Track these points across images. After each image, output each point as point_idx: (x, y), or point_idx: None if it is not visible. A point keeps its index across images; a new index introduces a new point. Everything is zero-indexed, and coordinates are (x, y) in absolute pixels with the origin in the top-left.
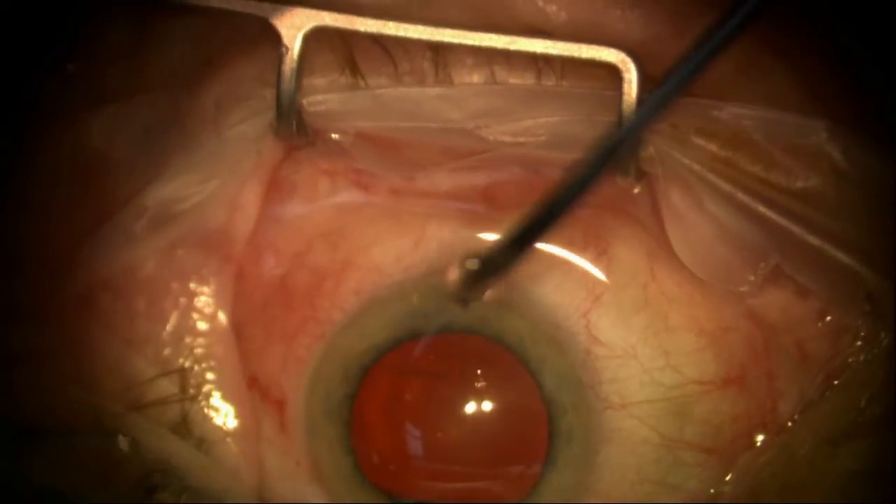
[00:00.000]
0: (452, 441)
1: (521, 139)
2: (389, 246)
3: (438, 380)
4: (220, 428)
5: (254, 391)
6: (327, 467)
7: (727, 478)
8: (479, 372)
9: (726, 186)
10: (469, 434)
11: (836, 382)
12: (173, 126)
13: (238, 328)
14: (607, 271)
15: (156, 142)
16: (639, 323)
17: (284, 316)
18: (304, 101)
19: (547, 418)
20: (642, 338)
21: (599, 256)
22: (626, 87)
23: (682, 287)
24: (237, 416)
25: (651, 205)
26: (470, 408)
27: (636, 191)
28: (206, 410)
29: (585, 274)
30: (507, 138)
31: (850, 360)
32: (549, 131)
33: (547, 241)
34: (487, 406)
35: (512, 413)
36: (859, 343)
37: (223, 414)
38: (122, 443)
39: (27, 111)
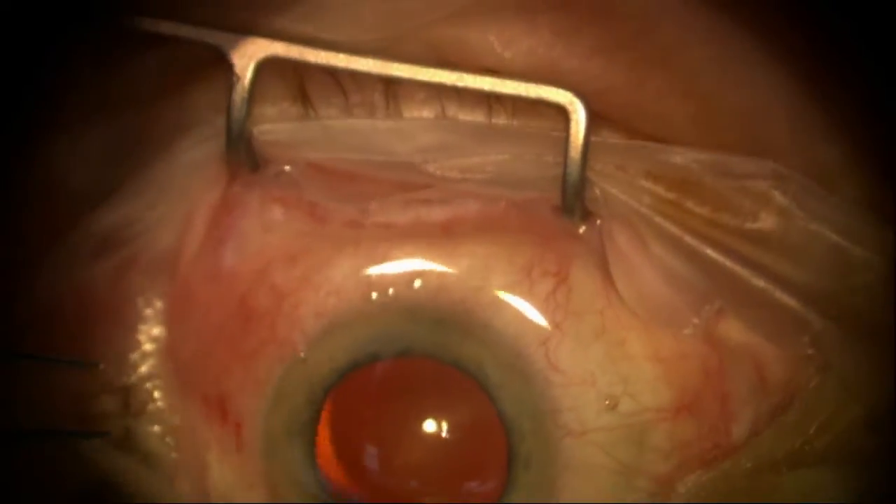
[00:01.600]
0: (413, 462)
1: (468, 175)
2: (349, 269)
3: (399, 402)
4: (164, 444)
5: (211, 412)
6: (285, 489)
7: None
8: (439, 396)
9: (673, 229)
10: (430, 456)
11: (788, 408)
12: (127, 152)
13: (192, 348)
14: (566, 300)
15: (109, 167)
16: (597, 351)
17: (242, 337)
18: (255, 130)
19: (506, 444)
20: (601, 365)
21: (558, 285)
22: (573, 127)
23: (634, 319)
24: (182, 432)
25: (598, 243)
26: (430, 431)
27: (581, 230)
28: (149, 427)
29: (545, 302)
30: (454, 174)
31: (805, 385)
32: (496, 169)
33: (506, 271)
34: (447, 430)
35: (471, 437)
36: (811, 372)
37: (168, 431)
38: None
39: None
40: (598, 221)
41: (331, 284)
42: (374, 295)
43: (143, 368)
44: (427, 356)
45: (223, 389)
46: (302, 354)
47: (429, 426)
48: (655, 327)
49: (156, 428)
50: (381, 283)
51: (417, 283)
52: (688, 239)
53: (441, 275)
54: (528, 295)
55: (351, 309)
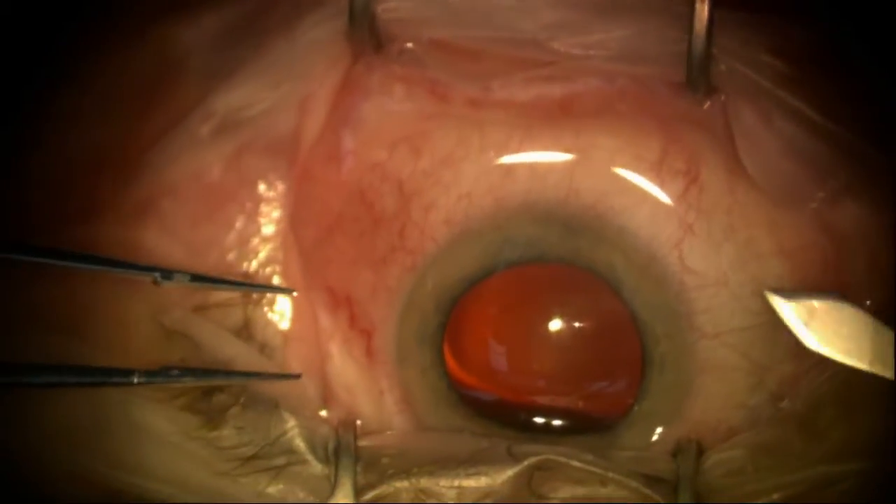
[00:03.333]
0: (549, 367)
1: (592, 52)
2: (479, 170)
3: (529, 308)
4: (282, 333)
5: (337, 309)
6: (419, 394)
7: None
8: (570, 301)
9: (797, 103)
10: (564, 362)
11: None
12: (247, 32)
13: (313, 236)
14: (697, 200)
15: (228, 48)
16: (728, 250)
17: (370, 241)
18: (379, 8)
19: (640, 348)
20: (732, 265)
21: (689, 185)
22: (698, 1)
23: (761, 207)
24: (300, 321)
25: (722, 121)
26: (564, 336)
27: (706, 106)
28: (268, 315)
29: (676, 204)
30: (578, 51)
31: None
32: (619, 45)
33: (639, 170)
34: (582, 335)
35: (606, 343)
36: None
37: (286, 319)
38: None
39: (99, 18)
40: (723, 97)
41: (461, 188)
42: (505, 199)
43: (263, 254)
44: (559, 262)
45: (351, 292)
46: (432, 263)
47: (560, 330)
48: (781, 210)
49: (274, 317)
50: (512, 183)
51: (548, 187)
52: (811, 113)
53: (572, 171)
54: (660, 197)
55: (483, 215)
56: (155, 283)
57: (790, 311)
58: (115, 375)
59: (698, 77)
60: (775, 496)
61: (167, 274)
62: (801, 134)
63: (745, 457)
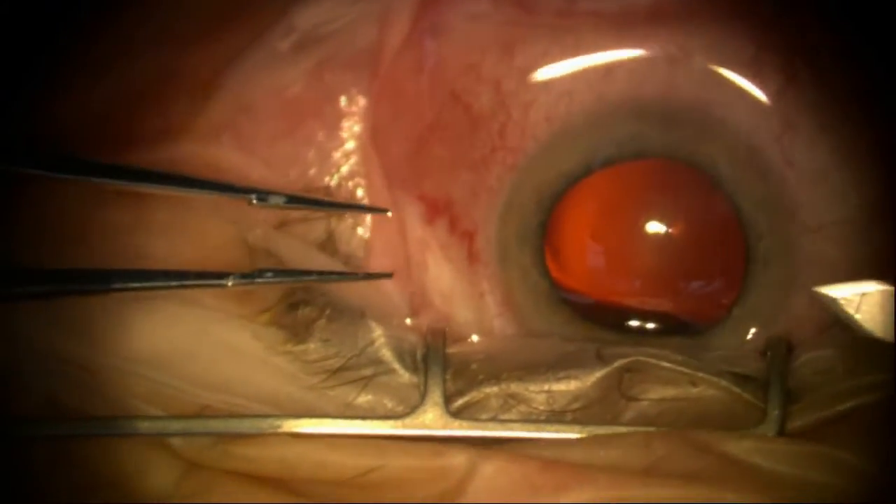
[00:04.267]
0: (649, 264)
1: None
2: (577, 67)
3: (630, 205)
4: (366, 245)
5: (434, 216)
6: (520, 295)
7: None
8: (675, 196)
9: None
10: (665, 257)
11: None
12: None
13: (403, 146)
14: (795, 96)
15: None
16: (826, 145)
17: (469, 142)
18: None
19: (743, 243)
20: (831, 160)
21: (788, 82)
22: None
23: (852, 105)
24: (385, 234)
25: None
26: (665, 231)
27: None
28: (352, 229)
29: (776, 99)
30: None
31: None
32: None
33: (735, 69)
34: (684, 231)
35: (709, 237)
36: None
37: (371, 232)
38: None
39: None
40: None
41: (560, 85)
42: (605, 96)
43: (346, 168)
44: (660, 156)
45: (451, 196)
46: (533, 161)
47: (660, 227)
48: (872, 115)
49: (357, 229)
50: (611, 82)
51: (647, 84)
52: None
53: (669, 70)
54: (759, 92)
55: (583, 111)
56: (250, 204)
57: (840, 304)
58: (209, 278)
59: None
60: (866, 396)
61: (263, 196)
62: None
63: (835, 355)
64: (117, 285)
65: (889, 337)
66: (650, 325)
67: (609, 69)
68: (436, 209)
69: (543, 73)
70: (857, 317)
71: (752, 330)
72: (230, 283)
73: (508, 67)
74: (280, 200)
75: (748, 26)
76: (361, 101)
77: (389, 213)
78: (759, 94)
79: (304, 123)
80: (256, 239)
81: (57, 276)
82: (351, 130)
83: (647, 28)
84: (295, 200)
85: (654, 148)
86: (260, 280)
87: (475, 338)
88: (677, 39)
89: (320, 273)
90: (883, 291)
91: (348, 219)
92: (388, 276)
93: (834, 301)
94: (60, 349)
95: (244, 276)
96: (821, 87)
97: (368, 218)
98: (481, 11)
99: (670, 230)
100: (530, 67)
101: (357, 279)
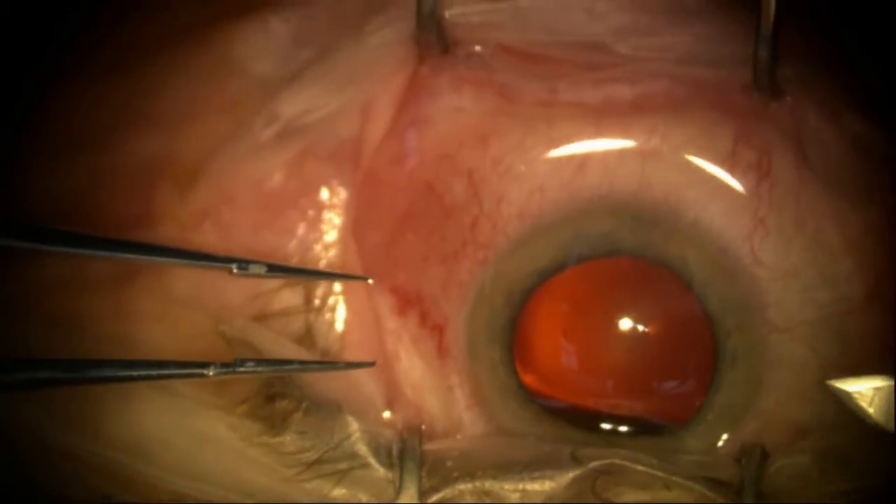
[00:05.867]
0: (619, 363)
1: (658, 55)
2: (549, 162)
3: (599, 302)
4: (344, 339)
5: (405, 307)
6: (489, 390)
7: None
8: (641, 296)
9: (864, 102)
10: (635, 356)
11: None
12: (313, 35)
13: (378, 238)
14: (769, 193)
15: (294, 51)
16: (798, 243)
17: (441, 236)
18: (446, 13)
19: (711, 342)
20: (802, 258)
21: (761, 179)
22: (764, 3)
23: (830, 202)
24: (362, 328)
25: (790, 120)
26: (635, 330)
27: (773, 107)
28: (330, 322)
29: (748, 197)
30: (644, 54)
31: None
32: (686, 48)
33: (711, 162)
34: (653, 329)
35: (677, 336)
36: None
37: (348, 326)
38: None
39: (162, 18)
40: (789, 99)
41: (533, 181)
42: (578, 192)
43: (324, 261)
44: (630, 255)
45: (422, 289)
46: (504, 257)
47: (631, 325)
48: (848, 205)
49: (336, 324)
50: (584, 177)
51: (620, 180)
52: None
53: (643, 164)
54: (733, 189)
55: (555, 208)
56: (231, 274)
57: (854, 398)
58: (190, 368)
59: (765, 79)
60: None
61: (243, 265)
62: (870, 132)
63: (811, 462)
64: (96, 374)
65: None
66: (622, 427)
67: (582, 162)
68: (407, 301)
69: (516, 165)
70: (871, 411)
71: (724, 433)
72: (211, 373)
73: (482, 157)
74: (261, 269)
75: (726, 117)
76: (342, 193)
77: (370, 281)
78: (735, 188)
79: (285, 215)
80: (235, 330)
81: (38, 365)
82: (331, 223)
83: (627, 118)
84: (276, 269)
85: (626, 246)
86: (241, 369)
87: (454, 436)
88: (658, 130)
89: (302, 362)
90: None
91: (326, 313)
92: (371, 364)
93: (848, 395)
94: (40, 434)
95: (225, 365)
96: (796, 180)
97: (347, 312)
98: (464, 103)
99: (641, 327)
100: (503, 158)
101: (338, 368)
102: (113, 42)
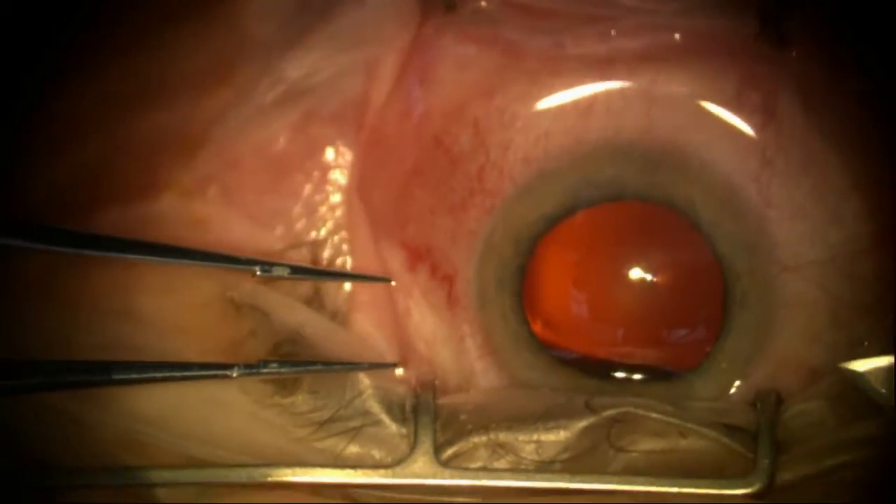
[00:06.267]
0: (629, 310)
1: (662, 6)
2: (554, 107)
3: (608, 248)
4: (353, 300)
5: (415, 262)
6: (500, 339)
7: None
8: (649, 240)
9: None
10: (645, 302)
11: None
12: None
13: (385, 195)
14: (775, 134)
15: (296, 14)
16: (806, 183)
17: (448, 186)
18: None
19: (721, 284)
20: (810, 197)
21: (767, 120)
22: None
23: (836, 145)
24: (371, 287)
25: (795, 69)
26: (644, 276)
27: (781, 56)
28: (339, 283)
29: (755, 138)
30: (649, 5)
31: None
32: None
33: (717, 105)
34: (662, 274)
35: (687, 279)
36: None
37: (356, 286)
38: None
39: None
40: (794, 52)
41: (538, 127)
42: (583, 136)
43: (331, 222)
44: (637, 198)
45: (431, 241)
46: (511, 203)
47: (639, 271)
48: (853, 152)
49: (346, 284)
50: (589, 121)
51: (626, 123)
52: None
53: (649, 108)
54: (739, 130)
55: (561, 152)
56: (254, 276)
57: (866, 379)
58: (214, 369)
59: (771, 30)
60: (858, 450)
61: (266, 268)
62: (875, 86)
63: (826, 408)
64: (118, 377)
65: None
66: (635, 375)
67: (587, 107)
68: (417, 255)
69: (521, 113)
70: (884, 391)
71: (736, 378)
72: (235, 374)
73: (487, 107)
74: (284, 272)
75: (733, 62)
76: (347, 154)
77: (394, 283)
78: (742, 130)
79: (290, 177)
80: (243, 295)
81: (56, 368)
82: (337, 184)
83: (631, 66)
84: (299, 271)
85: (632, 189)
86: (265, 371)
87: (467, 390)
88: (661, 76)
89: (326, 363)
90: None
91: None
92: (394, 365)
93: (860, 376)
94: (50, 403)
95: (248, 366)
96: (803, 122)
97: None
98: (469, 59)
99: (650, 272)
100: (508, 107)
101: (363, 369)
102: (117, 16)
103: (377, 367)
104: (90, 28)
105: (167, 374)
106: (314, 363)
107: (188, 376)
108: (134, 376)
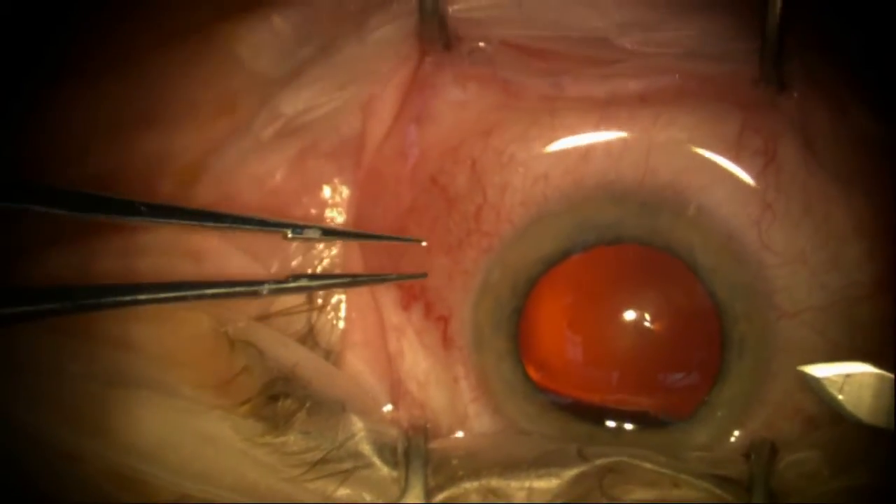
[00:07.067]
0: (625, 355)
1: (664, 50)
2: (553, 150)
3: (605, 291)
4: (346, 339)
5: (409, 302)
6: (495, 381)
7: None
8: (647, 284)
9: (871, 95)
10: (641, 347)
11: None
12: (315, 32)
13: (387, 232)
14: (775, 179)
15: (296, 49)
16: (806, 227)
17: (446, 224)
18: (449, 8)
19: (719, 329)
20: (811, 242)
21: (768, 164)
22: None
23: (838, 189)
24: (365, 327)
25: (797, 113)
26: (641, 320)
27: (781, 101)
28: (333, 321)
29: (755, 182)
30: (650, 49)
31: None
32: (692, 42)
33: (717, 148)
34: (660, 318)
35: (684, 325)
36: None
37: (350, 325)
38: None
39: (163, 18)
40: (796, 94)
41: (537, 168)
42: (582, 180)
43: (328, 260)
44: (635, 242)
45: (426, 281)
46: (508, 245)
47: (636, 315)
48: (855, 195)
49: (338, 322)
50: (588, 164)
51: (625, 167)
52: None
53: (648, 151)
54: (739, 175)
55: (560, 196)
56: (285, 238)
57: (823, 384)
58: (242, 286)
59: (772, 73)
60: (850, 499)
61: (298, 229)
62: (876, 125)
63: (821, 458)
64: (141, 297)
65: (873, 420)
66: (627, 424)
67: (587, 150)
68: (411, 294)
69: (519, 154)
70: (840, 398)
71: (732, 426)
72: (265, 291)
73: (484, 147)
74: (315, 234)
75: (733, 105)
76: (344, 191)
77: (424, 243)
78: (742, 174)
79: (287, 212)
80: (237, 332)
81: (86, 292)
82: (334, 221)
83: (631, 109)
84: (329, 233)
85: (631, 233)
86: (294, 285)
87: (458, 434)
88: (661, 119)
89: (353, 276)
90: (869, 373)
91: (329, 312)
92: (423, 275)
93: (817, 381)
94: (42, 437)
95: (278, 281)
96: (803, 166)
97: (349, 310)
98: (466, 98)
99: (647, 317)
100: (506, 148)
101: (390, 280)
102: (114, 41)
103: (405, 278)
104: (87, 49)
105: (195, 293)
106: (342, 276)
107: (218, 294)
108: (162, 295)
